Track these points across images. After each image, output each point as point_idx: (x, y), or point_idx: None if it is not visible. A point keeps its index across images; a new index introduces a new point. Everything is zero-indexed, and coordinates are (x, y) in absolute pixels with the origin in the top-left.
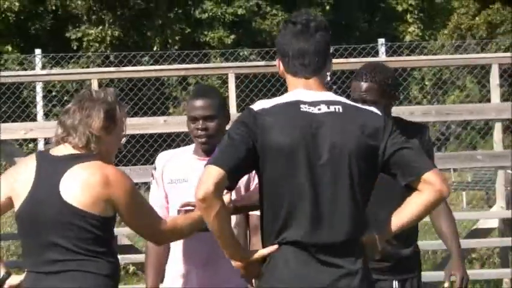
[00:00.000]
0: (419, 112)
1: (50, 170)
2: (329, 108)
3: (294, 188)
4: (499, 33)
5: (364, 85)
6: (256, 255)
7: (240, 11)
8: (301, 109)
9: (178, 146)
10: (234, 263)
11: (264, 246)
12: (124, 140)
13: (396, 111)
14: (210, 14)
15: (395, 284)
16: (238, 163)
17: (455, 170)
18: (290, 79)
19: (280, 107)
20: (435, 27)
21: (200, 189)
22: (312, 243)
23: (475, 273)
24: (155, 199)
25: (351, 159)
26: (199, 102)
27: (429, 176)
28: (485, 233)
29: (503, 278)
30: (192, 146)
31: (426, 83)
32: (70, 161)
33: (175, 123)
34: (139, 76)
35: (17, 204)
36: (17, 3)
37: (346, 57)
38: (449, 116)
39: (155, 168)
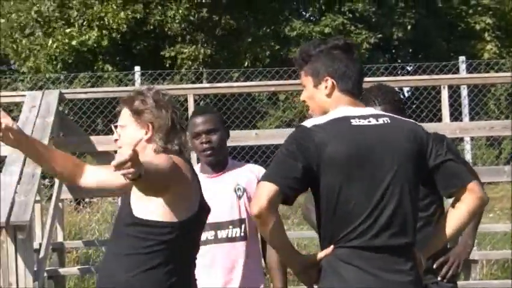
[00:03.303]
0: (499, 127)
1: None
2: (377, 120)
3: (356, 197)
4: None
5: (379, 108)
6: (314, 259)
7: (326, 30)
8: (352, 123)
9: (268, 157)
10: (293, 271)
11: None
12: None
13: (478, 125)
14: (298, 32)
15: None
16: (291, 178)
17: None
18: (338, 97)
19: (332, 123)
20: None
21: (255, 206)
22: (376, 246)
23: None
24: None
25: (406, 166)
26: (200, 119)
27: (471, 186)
28: None
29: None
30: (198, 167)
31: (501, 98)
32: None
33: (265, 136)
34: (232, 92)
35: None
36: (125, 25)
37: (429, 74)
38: None
39: None
